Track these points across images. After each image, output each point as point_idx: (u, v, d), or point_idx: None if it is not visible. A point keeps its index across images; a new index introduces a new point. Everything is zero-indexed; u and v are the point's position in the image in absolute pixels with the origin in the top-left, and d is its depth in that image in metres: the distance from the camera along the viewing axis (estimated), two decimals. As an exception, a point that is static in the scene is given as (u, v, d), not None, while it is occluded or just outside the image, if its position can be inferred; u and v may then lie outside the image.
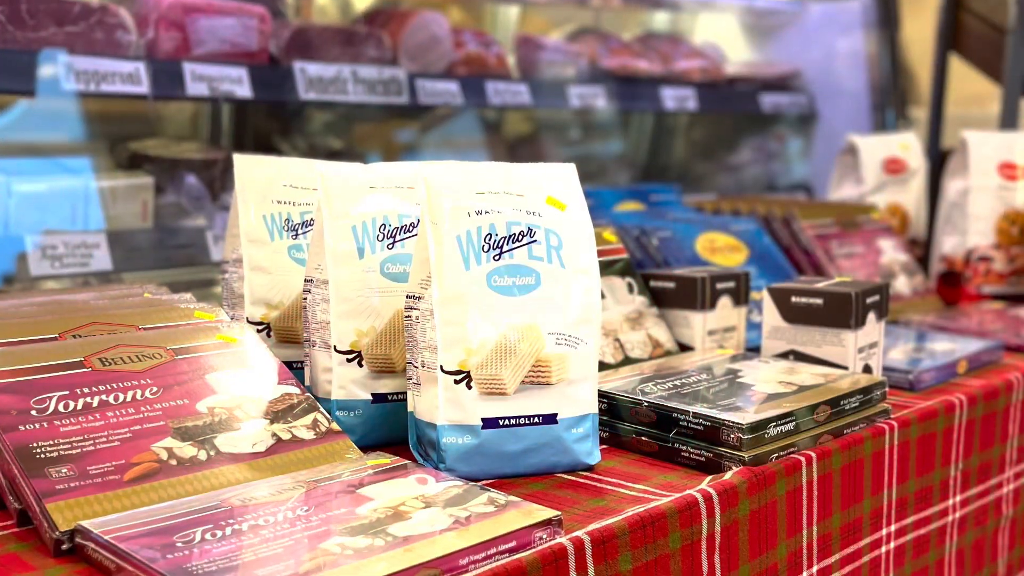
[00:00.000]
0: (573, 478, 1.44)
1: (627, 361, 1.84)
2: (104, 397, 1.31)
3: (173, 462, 1.27)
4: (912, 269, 2.63)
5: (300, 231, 1.70)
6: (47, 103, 2.28)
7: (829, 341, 1.81)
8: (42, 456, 1.21)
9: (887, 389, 1.70)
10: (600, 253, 1.63)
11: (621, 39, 3.38)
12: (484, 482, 1.37)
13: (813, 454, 1.51)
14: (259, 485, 1.26)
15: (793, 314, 1.84)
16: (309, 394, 1.46)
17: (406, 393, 1.51)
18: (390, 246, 1.54)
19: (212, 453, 1.30)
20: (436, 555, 1.08)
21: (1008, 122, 3.09)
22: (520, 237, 1.43)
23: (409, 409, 1.46)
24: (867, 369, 1.84)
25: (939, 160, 3.22)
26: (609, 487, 1.40)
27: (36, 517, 1.18)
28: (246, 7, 2.39)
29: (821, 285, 1.84)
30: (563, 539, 1.19)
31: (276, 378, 1.46)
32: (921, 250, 2.98)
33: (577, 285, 1.45)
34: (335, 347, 1.51)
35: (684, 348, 1.96)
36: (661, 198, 2.83)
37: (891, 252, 2.62)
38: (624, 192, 2.79)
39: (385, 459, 1.36)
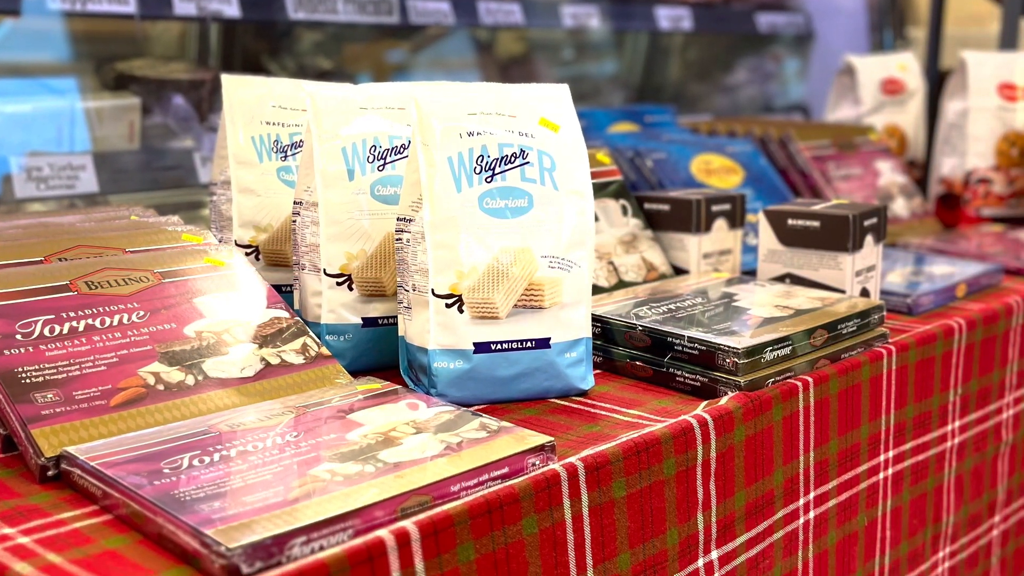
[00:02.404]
0: (566, 403, 1.42)
1: (621, 284, 1.82)
2: (90, 321, 1.29)
3: (160, 387, 1.25)
4: (910, 191, 2.60)
5: (289, 153, 1.67)
6: (32, 23, 2.24)
7: (826, 264, 1.79)
8: (27, 381, 1.20)
9: (885, 313, 1.68)
10: (594, 175, 1.60)
11: (616, -43, 3.32)
12: (476, 407, 1.36)
13: (810, 379, 1.50)
14: (247, 410, 1.24)
15: (789, 237, 1.82)
16: (298, 318, 1.44)
17: (397, 317, 1.49)
18: (380, 168, 1.52)
19: (200, 378, 1.28)
20: (427, 481, 1.07)
21: (1008, 42, 3.06)
22: (512, 159, 1.40)
23: (400, 333, 1.44)
24: (865, 293, 1.83)
25: (938, 81, 3.19)
26: (603, 412, 1.39)
27: (21, 443, 1.16)
28: (233, -77, 2.34)
29: (818, 207, 1.82)
30: (556, 465, 1.17)
31: (265, 302, 1.44)
32: (919, 172, 2.96)
33: (570, 207, 1.43)
34: (325, 270, 1.49)
35: (679, 271, 1.94)
36: (656, 119, 2.79)
37: (889, 174, 2.59)
38: (618, 113, 2.75)
39: (375, 384, 1.35)
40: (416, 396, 1.30)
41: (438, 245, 1.35)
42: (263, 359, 1.35)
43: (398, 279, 1.42)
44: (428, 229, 1.35)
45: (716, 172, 2.26)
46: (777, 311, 1.60)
